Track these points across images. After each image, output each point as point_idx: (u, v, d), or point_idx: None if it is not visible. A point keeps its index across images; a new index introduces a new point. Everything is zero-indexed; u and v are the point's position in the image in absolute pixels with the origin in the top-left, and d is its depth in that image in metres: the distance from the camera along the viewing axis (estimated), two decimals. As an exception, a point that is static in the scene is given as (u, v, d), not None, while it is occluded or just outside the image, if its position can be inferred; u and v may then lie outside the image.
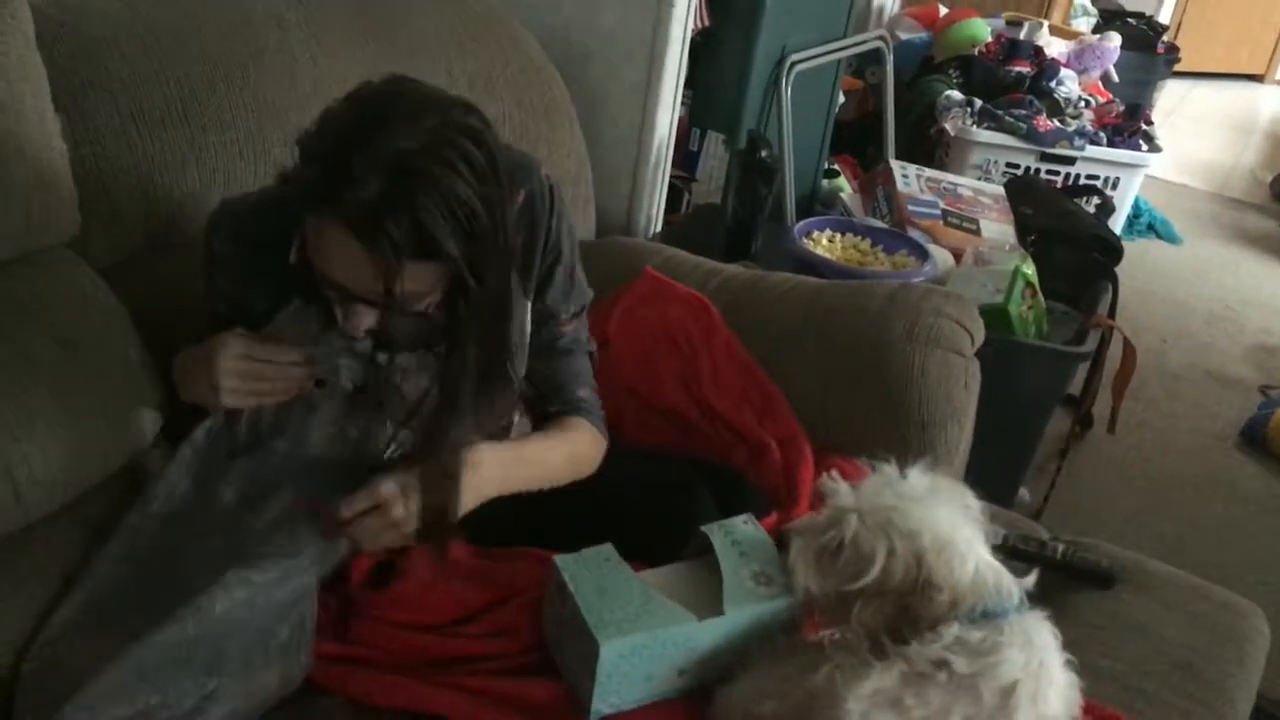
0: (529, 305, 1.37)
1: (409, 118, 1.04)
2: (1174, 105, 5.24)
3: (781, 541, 1.22)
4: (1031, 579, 1.16)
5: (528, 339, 1.38)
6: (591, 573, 1.24)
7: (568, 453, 1.41)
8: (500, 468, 1.31)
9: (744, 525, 1.33)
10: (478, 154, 1.07)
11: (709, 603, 1.23)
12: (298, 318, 1.24)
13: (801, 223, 2.34)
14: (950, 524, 1.13)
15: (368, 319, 1.14)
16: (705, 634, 1.22)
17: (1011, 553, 1.49)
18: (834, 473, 1.22)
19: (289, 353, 1.21)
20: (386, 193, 1.02)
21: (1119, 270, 2.56)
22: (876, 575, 1.11)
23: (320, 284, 1.14)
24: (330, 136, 1.06)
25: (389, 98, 1.07)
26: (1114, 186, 3.31)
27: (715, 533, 1.31)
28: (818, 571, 1.16)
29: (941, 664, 1.07)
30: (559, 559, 1.25)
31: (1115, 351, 2.42)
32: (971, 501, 1.19)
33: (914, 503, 1.14)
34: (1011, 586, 1.14)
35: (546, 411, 1.43)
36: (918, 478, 1.18)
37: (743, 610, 1.23)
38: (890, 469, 1.19)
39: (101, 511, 1.24)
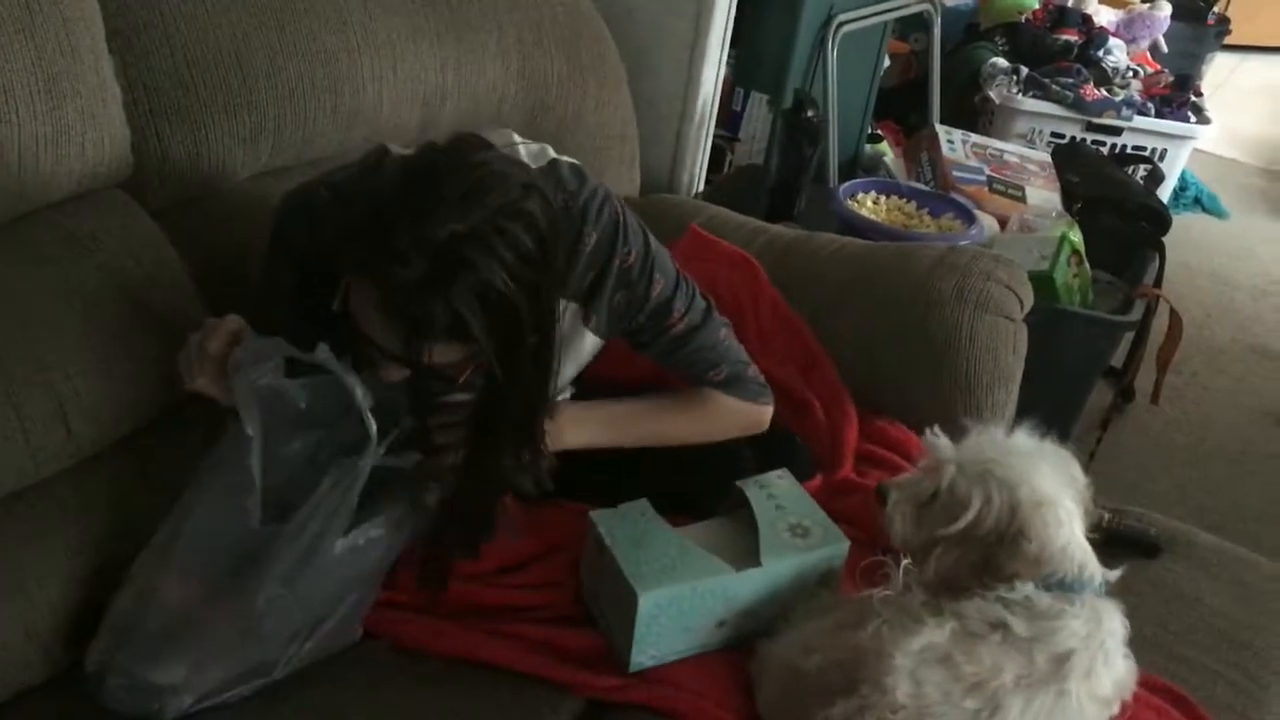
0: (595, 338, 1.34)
1: (465, 197, 0.99)
2: (1223, 78, 5.13)
3: (880, 495, 1.22)
4: (1118, 572, 1.16)
5: (591, 354, 1.36)
6: (628, 527, 1.25)
7: (671, 419, 1.39)
8: (576, 430, 1.31)
9: (779, 480, 1.34)
10: (527, 240, 1.01)
11: (746, 555, 1.24)
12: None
13: (846, 184, 2.31)
14: (1053, 485, 1.13)
15: (398, 374, 1.11)
16: (743, 585, 1.23)
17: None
18: (936, 428, 1.21)
19: None
20: (427, 276, 0.98)
21: (1165, 241, 2.53)
22: (969, 521, 1.12)
23: (357, 334, 1.09)
24: (382, 203, 1.01)
25: (447, 170, 1.02)
26: (1161, 158, 3.26)
27: (751, 487, 1.32)
28: (914, 521, 1.17)
29: (998, 625, 1.07)
30: (595, 514, 1.26)
31: (1160, 323, 2.39)
32: (1078, 474, 1.19)
33: (1016, 457, 1.14)
34: (1095, 570, 1.14)
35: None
36: (1023, 438, 1.18)
37: (780, 561, 1.24)
38: (996, 429, 1.20)
39: (151, 450, 1.26)
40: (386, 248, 0.98)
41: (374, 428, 1.10)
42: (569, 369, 1.34)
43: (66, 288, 1.18)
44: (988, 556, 1.11)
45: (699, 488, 1.36)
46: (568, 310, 1.27)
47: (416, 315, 1.00)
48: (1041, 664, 1.05)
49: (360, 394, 1.09)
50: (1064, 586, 1.10)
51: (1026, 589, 1.09)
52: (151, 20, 1.31)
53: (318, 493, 1.11)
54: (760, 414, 1.41)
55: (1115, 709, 1.11)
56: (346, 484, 1.10)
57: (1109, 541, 1.47)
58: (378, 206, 1.01)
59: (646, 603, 1.17)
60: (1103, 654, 1.08)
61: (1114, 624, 1.10)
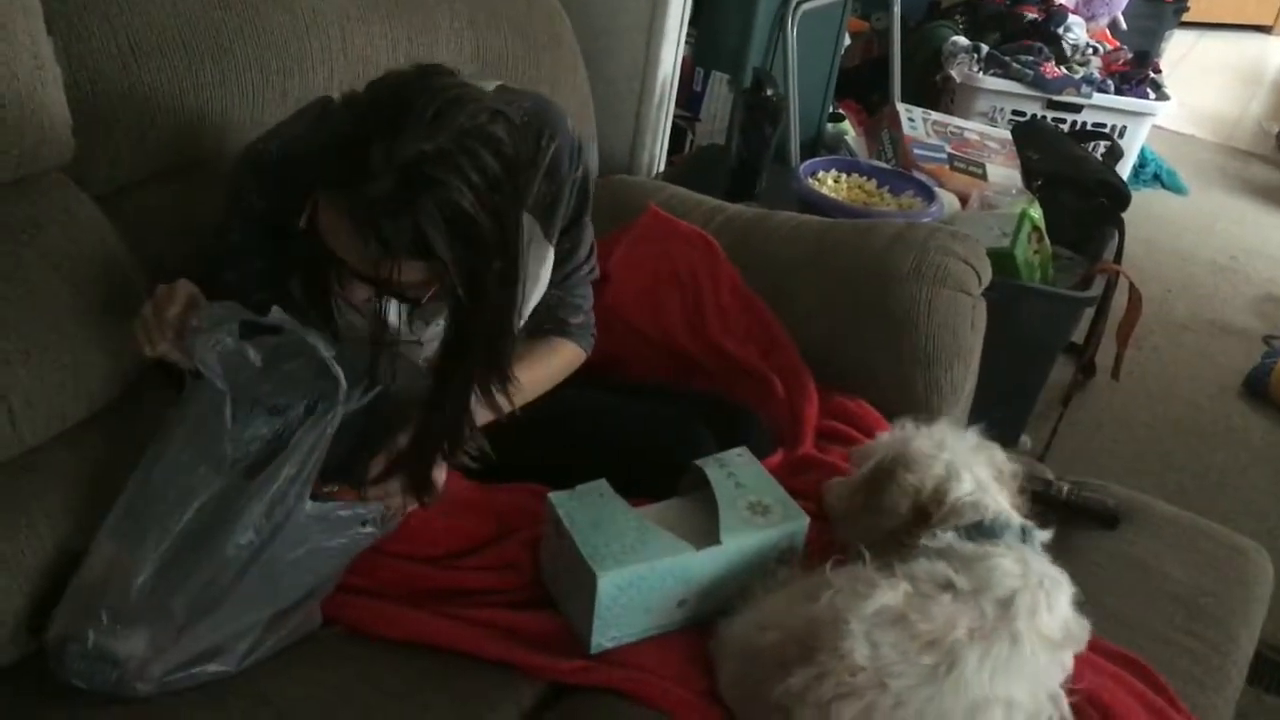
0: (552, 249, 1.36)
1: (434, 118, 1.02)
2: (1181, 55, 5.18)
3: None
4: (1049, 533, 1.20)
5: (548, 281, 1.38)
6: (587, 508, 1.24)
7: (545, 375, 1.43)
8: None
9: (739, 458, 1.33)
10: (494, 164, 1.05)
11: (706, 533, 1.23)
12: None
13: (806, 162, 2.31)
14: (957, 448, 1.20)
15: (363, 292, 1.14)
16: (703, 564, 1.22)
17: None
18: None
19: None
20: (393, 193, 1.01)
21: (1125, 217, 2.54)
22: (868, 470, 1.22)
23: (323, 252, 1.11)
24: (352, 125, 1.04)
25: (417, 93, 1.04)
26: (1121, 135, 3.28)
27: (710, 466, 1.31)
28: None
29: (947, 585, 1.10)
30: (553, 495, 1.25)
31: (1120, 299, 2.41)
32: (1000, 459, 1.27)
33: (931, 430, 1.22)
34: (1013, 517, 1.19)
35: (541, 328, 1.45)
36: (946, 428, 1.27)
37: (739, 539, 1.23)
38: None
39: (101, 439, 1.23)
40: (357, 163, 1.01)
41: (342, 376, 1.11)
42: (533, 293, 1.36)
43: (6, 275, 1.15)
44: (874, 499, 1.20)
45: (658, 468, 1.35)
46: (529, 231, 1.30)
47: (383, 230, 1.02)
48: (989, 611, 1.08)
49: (322, 347, 1.11)
50: (982, 532, 1.16)
51: (947, 536, 1.15)
52: (92, 1, 1.28)
53: (294, 439, 1.12)
54: (581, 359, 1.48)
55: (1068, 660, 1.13)
56: (318, 434, 1.11)
57: (1068, 513, 1.49)
58: (351, 125, 1.04)
59: (606, 584, 1.16)
60: (1044, 594, 1.10)
61: (1044, 566, 1.15)
